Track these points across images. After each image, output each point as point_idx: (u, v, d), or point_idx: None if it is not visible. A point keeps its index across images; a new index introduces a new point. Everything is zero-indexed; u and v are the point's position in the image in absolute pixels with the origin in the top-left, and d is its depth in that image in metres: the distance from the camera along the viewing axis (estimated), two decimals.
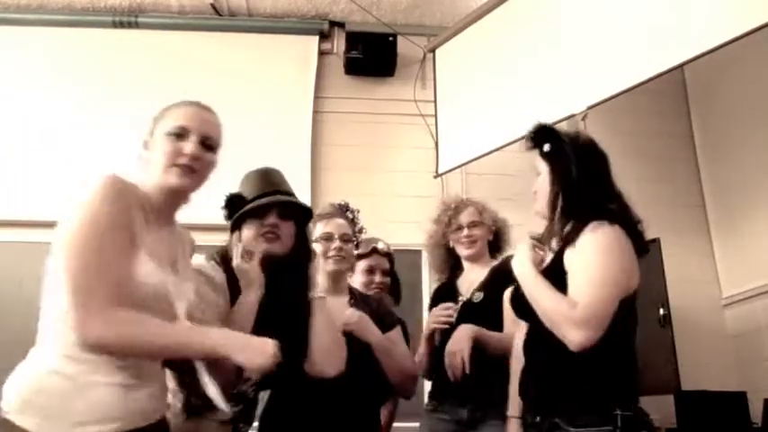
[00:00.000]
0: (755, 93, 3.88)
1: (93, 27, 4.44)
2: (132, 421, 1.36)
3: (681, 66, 3.19)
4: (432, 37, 4.49)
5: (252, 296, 1.80)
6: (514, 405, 1.99)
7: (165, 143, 1.53)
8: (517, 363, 1.96)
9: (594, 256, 1.69)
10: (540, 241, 1.92)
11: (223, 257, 1.88)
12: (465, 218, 2.54)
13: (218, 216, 1.93)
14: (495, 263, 2.52)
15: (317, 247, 2.23)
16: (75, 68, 4.33)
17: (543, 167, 1.89)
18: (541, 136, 1.91)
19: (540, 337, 1.74)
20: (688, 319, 3.85)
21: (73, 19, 4.42)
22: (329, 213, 2.45)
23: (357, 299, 2.29)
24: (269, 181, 1.93)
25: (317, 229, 2.30)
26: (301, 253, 1.94)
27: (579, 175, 1.82)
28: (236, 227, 1.90)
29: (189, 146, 1.52)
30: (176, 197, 1.56)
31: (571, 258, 1.74)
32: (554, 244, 1.88)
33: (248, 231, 1.86)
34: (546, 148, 1.88)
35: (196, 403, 1.72)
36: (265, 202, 1.85)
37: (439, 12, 4.49)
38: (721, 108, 4.25)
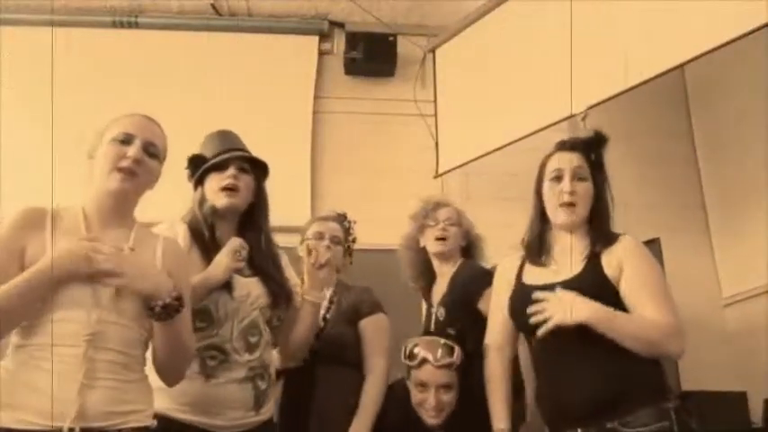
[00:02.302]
0: (755, 92, 3.87)
1: (93, 27, 4.42)
2: (59, 416, 1.37)
3: (681, 66, 3.19)
4: (432, 37, 4.48)
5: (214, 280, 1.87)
6: (506, 417, 1.95)
7: (109, 148, 1.58)
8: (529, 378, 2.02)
9: (649, 267, 1.80)
10: (529, 251, 1.97)
11: (192, 228, 1.98)
12: (443, 215, 2.57)
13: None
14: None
15: (308, 245, 2.29)
16: (74, 68, 4.30)
17: (587, 175, 1.90)
18: (593, 144, 1.94)
19: (574, 350, 1.74)
20: (688, 319, 3.85)
21: (73, 19, 4.40)
22: (325, 216, 2.60)
23: (341, 291, 2.40)
24: (227, 140, 2.06)
25: (311, 229, 2.44)
26: (259, 206, 2.05)
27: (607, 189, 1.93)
28: (198, 185, 2.03)
29: (132, 150, 1.57)
30: (119, 201, 1.60)
31: (614, 265, 1.80)
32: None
33: (210, 186, 1.98)
34: (593, 156, 1.92)
35: (212, 364, 1.84)
36: (225, 157, 1.98)
37: (439, 12, 4.49)
38: (721, 107, 4.25)
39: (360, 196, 4.08)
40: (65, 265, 1.42)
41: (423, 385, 2.08)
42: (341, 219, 2.62)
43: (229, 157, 1.98)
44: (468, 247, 2.63)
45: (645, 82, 3.16)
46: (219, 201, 1.95)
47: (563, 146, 1.96)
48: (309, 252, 2.03)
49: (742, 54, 3.35)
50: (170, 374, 1.64)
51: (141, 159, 1.58)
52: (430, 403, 2.06)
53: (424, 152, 4.31)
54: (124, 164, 1.56)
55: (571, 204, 1.86)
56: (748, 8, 2.78)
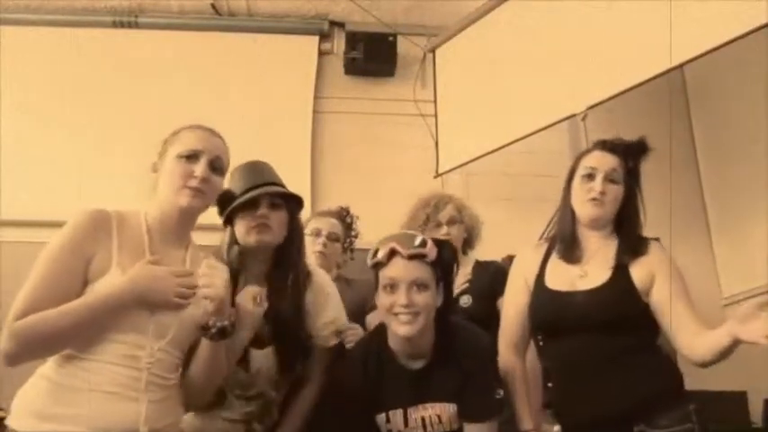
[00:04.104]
0: (755, 92, 3.87)
1: (93, 27, 4.42)
2: (97, 428, 1.38)
3: (680, 66, 3.19)
4: (432, 37, 4.48)
5: (245, 334, 1.77)
6: (531, 418, 1.89)
7: (176, 165, 1.60)
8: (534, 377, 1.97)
9: (680, 277, 1.79)
10: (562, 245, 1.93)
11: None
12: (444, 215, 2.51)
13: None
14: (470, 261, 2.54)
15: (307, 243, 2.29)
16: (75, 68, 4.31)
17: (621, 179, 1.89)
18: (634, 150, 1.93)
19: (602, 353, 1.76)
20: None
21: (73, 19, 4.40)
22: (323, 212, 2.60)
23: (343, 286, 2.32)
24: (257, 173, 1.89)
25: (309, 225, 2.44)
26: (292, 242, 1.91)
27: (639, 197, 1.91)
28: (228, 222, 1.89)
29: (199, 168, 1.59)
30: (184, 218, 1.63)
31: (645, 276, 1.79)
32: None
33: (240, 225, 1.84)
34: (631, 163, 1.91)
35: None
36: (255, 194, 1.82)
37: (439, 12, 4.48)
38: (721, 107, 4.25)
39: (360, 196, 4.06)
40: (136, 291, 1.46)
41: (392, 286, 1.71)
42: (342, 214, 2.60)
43: (259, 193, 1.82)
44: (468, 237, 2.61)
45: (645, 82, 3.16)
46: (250, 239, 1.81)
47: (603, 146, 1.94)
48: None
49: (742, 54, 3.34)
50: (201, 394, 1.69)
51: (208, 178, 1.60)
52: (400, 303, 1.68)
53: (424, 152, 4.30)
54: (192, 183, 1.58)
55: (598, 201, 1.86)
56: (748, 8, 2.78)
